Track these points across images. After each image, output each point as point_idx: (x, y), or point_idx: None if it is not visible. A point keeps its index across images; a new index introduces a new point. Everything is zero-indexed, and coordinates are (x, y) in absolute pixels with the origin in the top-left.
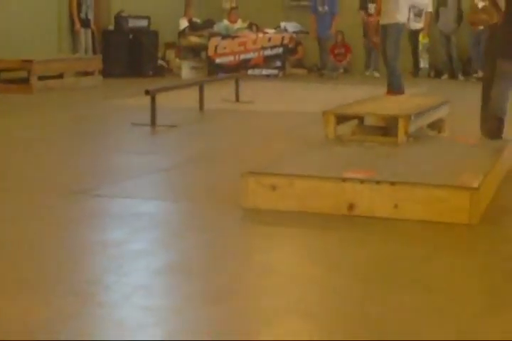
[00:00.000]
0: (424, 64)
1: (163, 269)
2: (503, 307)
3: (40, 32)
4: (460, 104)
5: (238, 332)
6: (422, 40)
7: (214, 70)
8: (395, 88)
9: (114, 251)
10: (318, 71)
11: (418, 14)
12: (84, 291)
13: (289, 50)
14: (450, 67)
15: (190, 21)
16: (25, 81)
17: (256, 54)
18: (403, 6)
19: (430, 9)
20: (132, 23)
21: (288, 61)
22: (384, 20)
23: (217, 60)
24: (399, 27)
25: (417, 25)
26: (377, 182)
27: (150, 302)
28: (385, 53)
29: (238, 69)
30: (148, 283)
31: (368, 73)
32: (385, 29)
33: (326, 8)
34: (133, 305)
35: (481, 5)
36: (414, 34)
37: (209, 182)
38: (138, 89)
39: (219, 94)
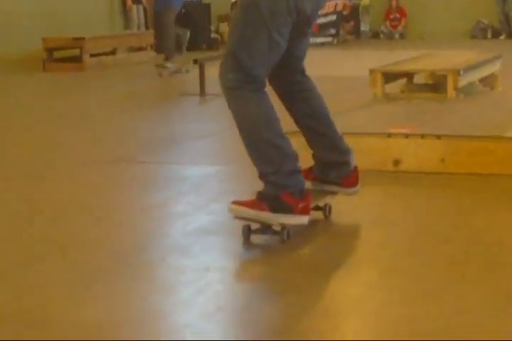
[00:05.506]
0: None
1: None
2: None
3: (92, 10)
4: None
5: (272, 290)
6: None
7: None
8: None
9: (155, 214)
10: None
11: None
12: (122, 252)
13: (344, 17)
14: (507, 26)
15: None
16: (78, 59)
17: None
18: None
19: None
20: None
21: (343, 28)
22: None
23: None
24: None
25: None
26: (423, 137)
27: (185, 262)
28: None
29: None
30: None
31: None
32: None
33: None
34: (169, 265)
35: None
36: None
37: None
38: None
39: None
